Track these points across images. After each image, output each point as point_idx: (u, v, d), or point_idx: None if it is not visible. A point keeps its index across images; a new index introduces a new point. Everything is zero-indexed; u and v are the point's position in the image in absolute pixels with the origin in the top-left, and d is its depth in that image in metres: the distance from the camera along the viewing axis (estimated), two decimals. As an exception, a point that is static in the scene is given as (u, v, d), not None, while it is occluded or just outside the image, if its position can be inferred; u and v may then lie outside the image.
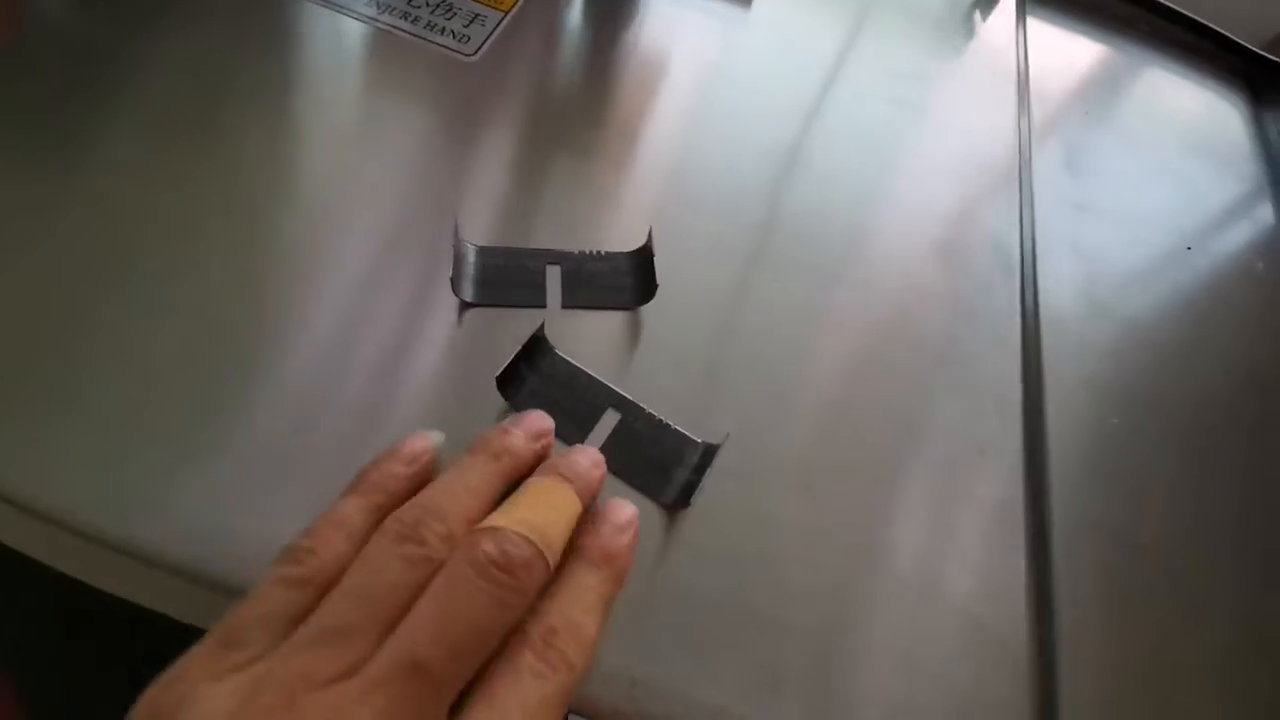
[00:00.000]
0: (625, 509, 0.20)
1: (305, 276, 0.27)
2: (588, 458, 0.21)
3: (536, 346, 0.26)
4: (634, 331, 0.28)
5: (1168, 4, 0.59)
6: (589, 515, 0.20)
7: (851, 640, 0.23)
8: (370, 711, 0.15)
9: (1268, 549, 0.30)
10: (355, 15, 0.35)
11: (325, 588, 0.17)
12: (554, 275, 0.28)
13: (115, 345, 0.24)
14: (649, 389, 0.26)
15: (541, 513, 0.19)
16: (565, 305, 0.28)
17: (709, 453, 0.25)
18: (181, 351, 0.24)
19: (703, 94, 0.38)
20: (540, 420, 0.21)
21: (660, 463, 0.25)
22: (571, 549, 0.19)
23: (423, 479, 0.20)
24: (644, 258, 0.29)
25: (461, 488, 0.19)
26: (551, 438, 0.22)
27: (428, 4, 0.36)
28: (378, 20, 0.35)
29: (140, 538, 0.21)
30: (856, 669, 0.23)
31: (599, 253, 0.29)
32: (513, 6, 0.37)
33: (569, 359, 0.26)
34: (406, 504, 0.18)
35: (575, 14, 0.40)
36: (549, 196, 0.32)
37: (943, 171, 0.38)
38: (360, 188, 0.30)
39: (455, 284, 0.26)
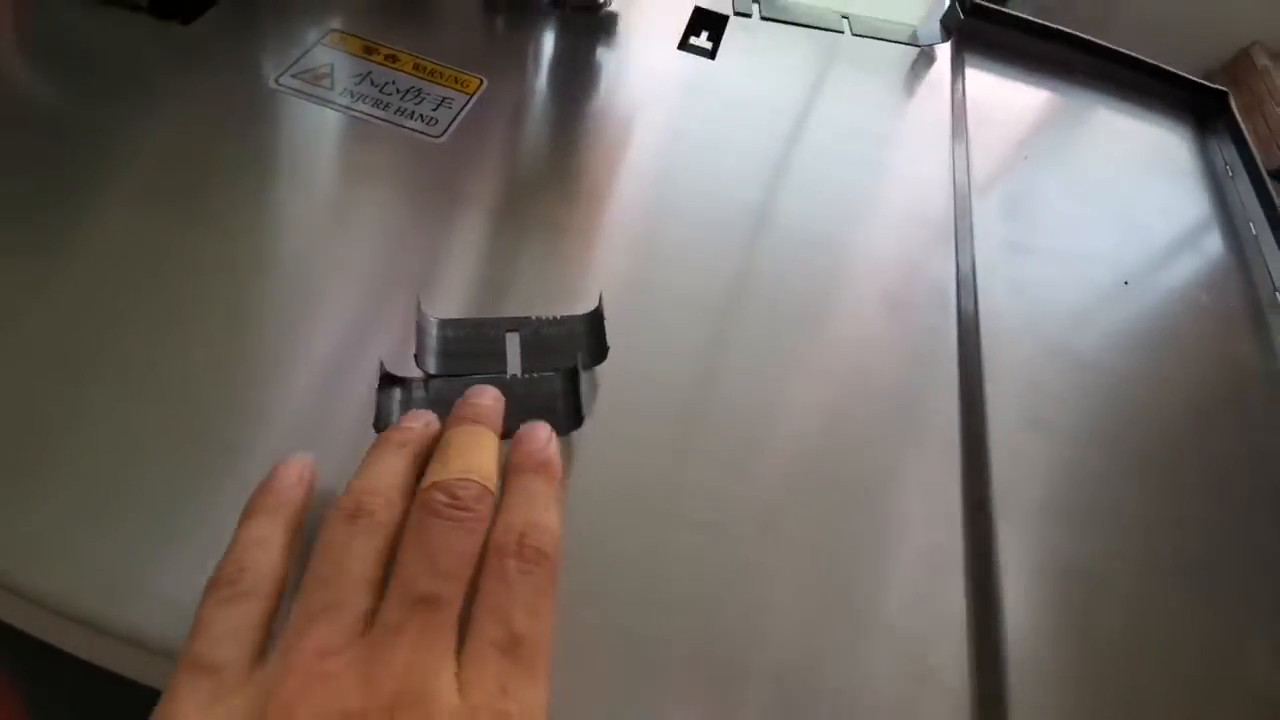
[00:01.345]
0: (541, 428, 0.25)
1: (285, 354, 0.29)
2: (485, 396, 0.25)
3: (388, 379, 0.28)
4: (593, 389, 0.30)
5: (1108, 45, 0.62)
6: (513, 440, 0.24)
7: (808, 688, 0.25)
8: (404, 645, 0.18)
9: (1226, 582, 0.32)
10: (331, 105, 0.38)
11: (272, 597, 0.19)
12: (513, 342, 0.31)
13: (96, 426, 0.26)
14: (615, 440, 0.28)
15: (469, 456, 0.22)
16: (524, 371, 0.30)
17: (571, 374, 0.29)
18: (163, 432, 0.26)
19: (664, 159, 0.41)
20: (423, 412, 0.25)
21: (540, 408, 0.28)
22: (508, 470, 0.23)
23: (311, 490, 0.22)
24: (595, 320, 0.31)
25: (384, 469, 0.22)
26: (437, 421, 0.25)
27: (398, 91, 0.39)
28: (352, 109, 0.38)
29: (118, 616, 0.22)
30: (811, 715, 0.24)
31: (555, 317, 0.32)
32: (478, 89, 0.40)
33: (424, 371, 0.28)
34: (342, 497, 0.21)
35: (539, 89, 0.43)
36: (518, 268, 0.34)
37: (890, 224, 0.40)
38: (337, 267, 0.32)
39: (419, 357, 0.28)
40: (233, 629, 0.18)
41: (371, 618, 0.19)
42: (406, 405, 0.28)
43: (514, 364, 0.30)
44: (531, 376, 0.29)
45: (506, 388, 0.28)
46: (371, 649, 0.18)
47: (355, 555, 0.19)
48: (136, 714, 0.22)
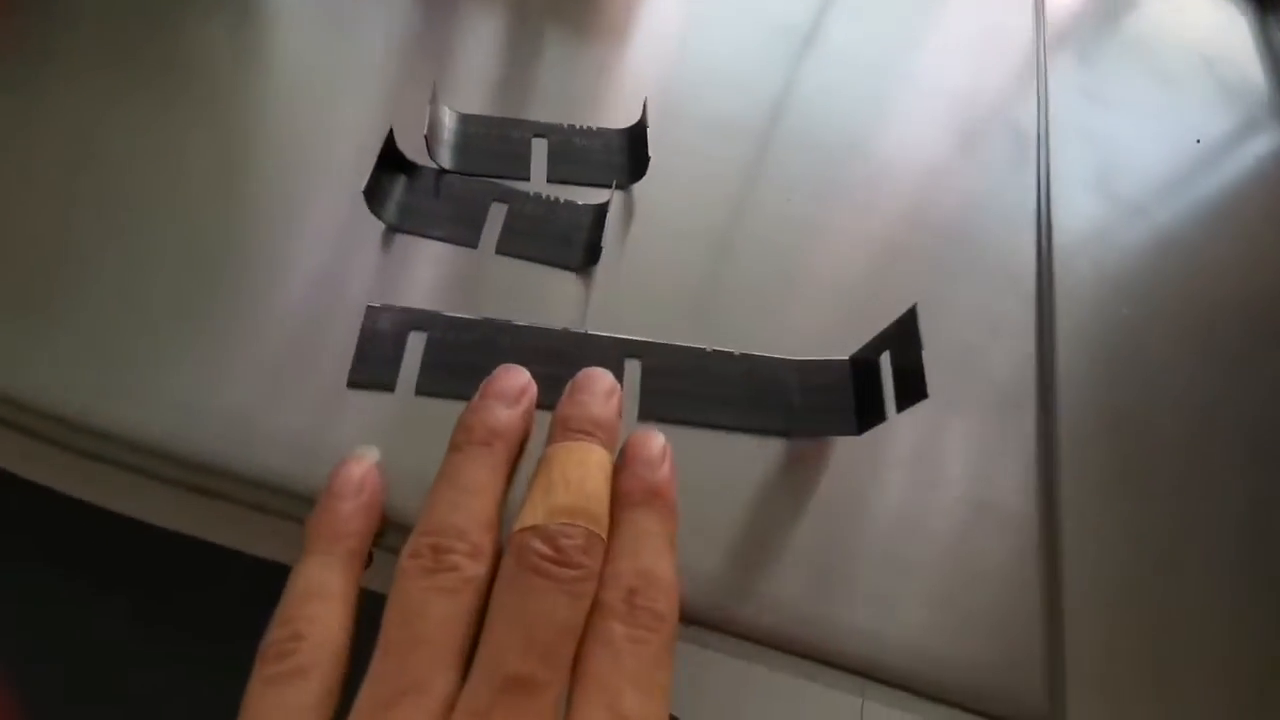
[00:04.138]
0: (653, 441, 0.19)
1: (292, 159, 0.25)
2: (599, 389, 0.19)
3: (392, 156, 0.24)
4: (629, 211, 0.26)
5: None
6: (620, 455, 0.19)
7: (858, 512, 0.22)
8: None
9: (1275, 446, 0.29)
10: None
11: (332, 671, 0.16)
12: (540, 148, 0.27)
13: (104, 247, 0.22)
14: (645, 269, 0.25)
15: (574, 488, 0.17)
16: (550, 179, 0.26)
17: (602, 211, 0.25)
18: (167, 252, 0.23)
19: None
20: (512, 378, 0.19)
21: (559, 235, 0.25)
22: (613, 497, 0.18)
23: (377, 507, 0.18)
24: (637, 133, 0.27)
25: (462, 492, 0.17)
26: (533, 389, 0.19)
27: None
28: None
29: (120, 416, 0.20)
30: (860, 535, 0.22)
31: (589, 128, 0.28)
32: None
33: (435, 165, 0.25)
34: (414, 538, 0.16)
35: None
36: (543, 72, 0.30)
37: (960, 52, 0.36)
38: (350, 68, 0.28)
39: (431, 149, 0.24)
40: (287, 717, 0.15)
41: (455, 701, 0.15)
42: (408, 195, 0.24)
43: (539, 172, 0.26)
44: (556, 200, 0.26)
45: (525, 204, 0.25)
46: None
47: (435, 621, 0.15)
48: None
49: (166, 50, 0.27)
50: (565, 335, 0.23)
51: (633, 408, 0.22)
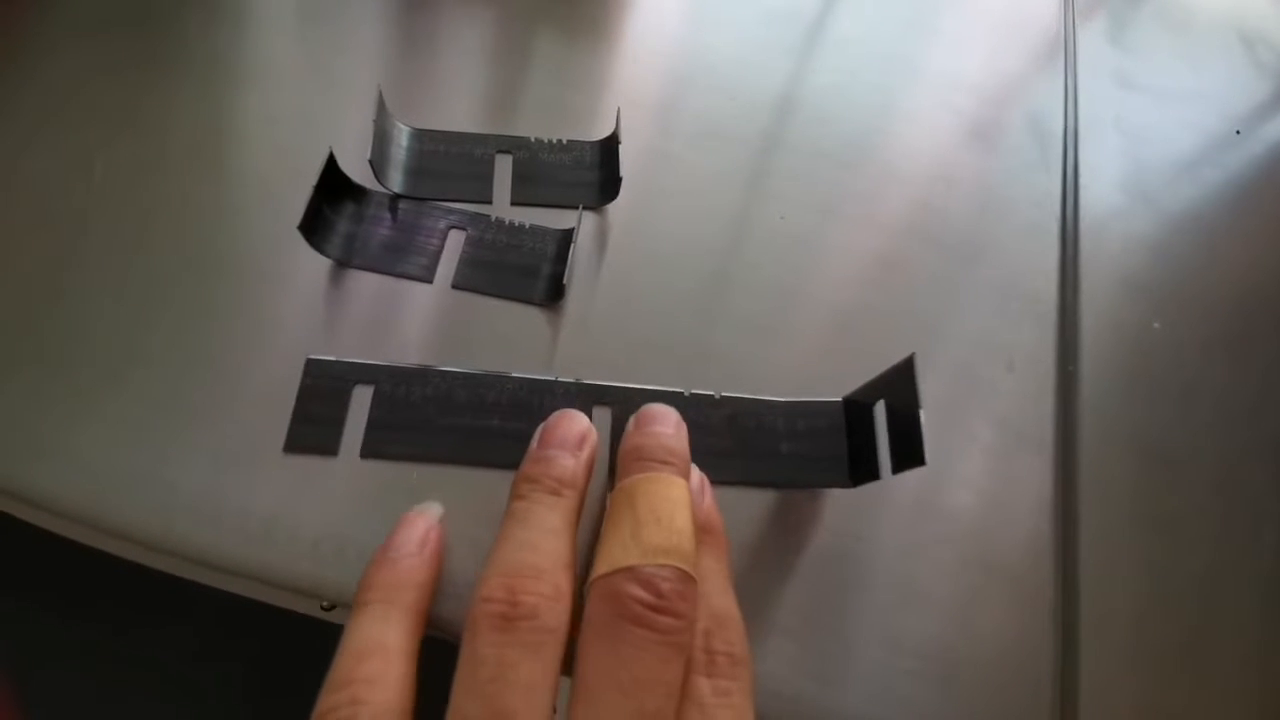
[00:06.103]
0: (693, 475, 0.18)
1: (231, 195, 0.23)
2: (670, 419, 0.18)
3: (334, 181, 0.22)
4: (603, 236, 0.24)
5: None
6: None
7: (853, 576, 0.20)
8: None
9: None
10: None
11: None
12: (504, 166, 0.24)
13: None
14: (620, 302, 0.23)
15: (666, 526, 0.15)
16: (515, 201, 0.24)
17: (566, 238, 0.23)
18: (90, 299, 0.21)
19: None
20: (572, 424, 0.18)
21: (524, 266, 0.22)
22: None
23: (439, 565, 0.17)
24: (609, 148, 0.24)
25: (535, 531, 0.16)
26: (594, 435, 0.18)
27: None
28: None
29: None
30: (856, 604, 0.20)
31: (560, 141, 0.25)
32: None
33: (387, 189, 0.23)
34: (485, 579, 0.15)
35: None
36: (516, 77, 0.27)
37: (977, 39, 0.33)
38: (304, 71, 0.25)
39: (378, 171, 0.22)
40: None
41: None
42: (355, 225, 0.22)
43: (501, 193, 0.24)
44: (522, 225, 0.23)
45: (486, 231, 0.23)
46: None
47: (520, 689, 0.13)
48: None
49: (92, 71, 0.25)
50: (527, 384, 0.21)
51: (604, 460, 0.20)
